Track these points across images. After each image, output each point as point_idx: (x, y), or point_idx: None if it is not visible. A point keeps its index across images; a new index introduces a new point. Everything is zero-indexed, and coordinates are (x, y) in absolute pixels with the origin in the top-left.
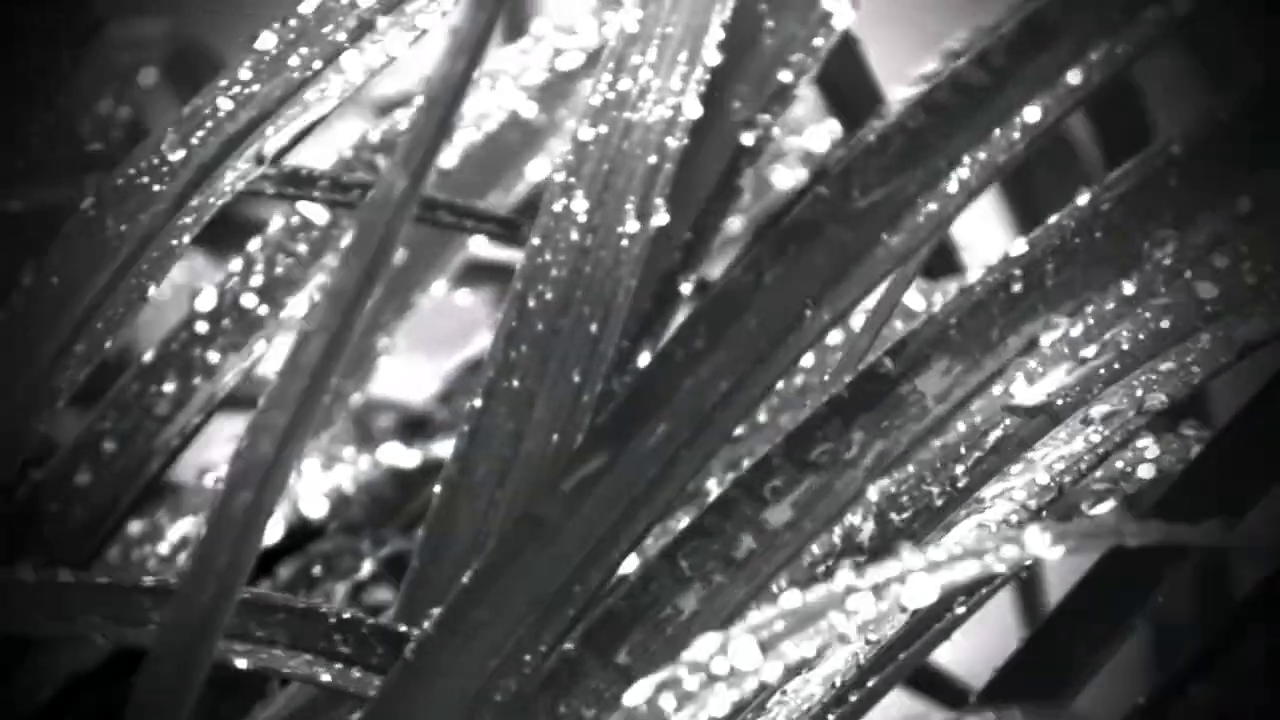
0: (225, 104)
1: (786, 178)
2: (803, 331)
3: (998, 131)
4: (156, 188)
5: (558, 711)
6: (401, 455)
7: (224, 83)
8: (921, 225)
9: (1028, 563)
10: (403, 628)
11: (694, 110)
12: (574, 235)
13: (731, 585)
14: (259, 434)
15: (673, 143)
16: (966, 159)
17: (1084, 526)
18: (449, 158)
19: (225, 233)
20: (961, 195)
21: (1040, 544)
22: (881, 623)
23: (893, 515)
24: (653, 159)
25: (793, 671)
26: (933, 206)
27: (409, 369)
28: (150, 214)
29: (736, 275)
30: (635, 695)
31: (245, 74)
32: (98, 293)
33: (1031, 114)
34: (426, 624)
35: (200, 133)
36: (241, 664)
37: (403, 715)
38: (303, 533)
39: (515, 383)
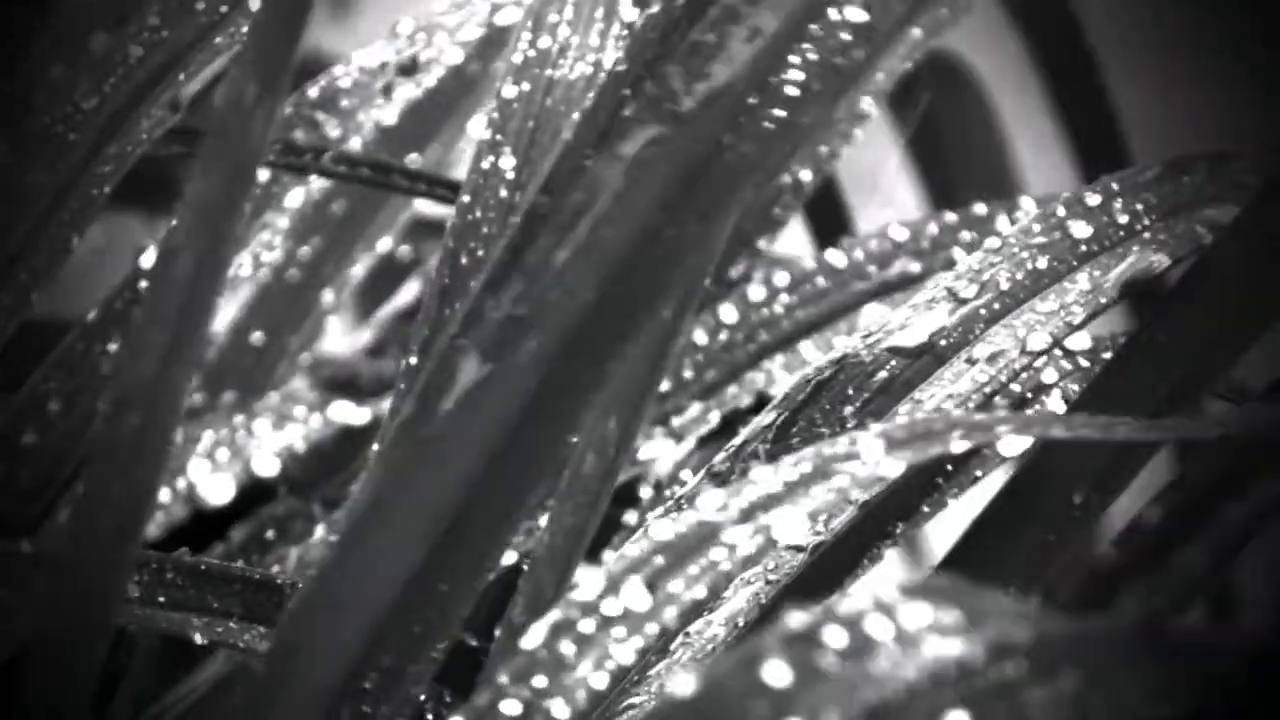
0: (136, 50)
1: None
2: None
3: None
4: (72, 136)
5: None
6: (350, 412)
7: (133, 29)
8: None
9: (875, 476)
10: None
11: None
12: (503, 192)
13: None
14: (138, 352)
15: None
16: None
17: (918, 428)
18: (389, 114)
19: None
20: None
21: (875, 449)
22: (761, 558)
23: (784, 457)
24: (575, 115)
25: (690, 614)
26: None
27: (346, 324)
28: (67, 163)
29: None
30: (531, 638)
31: (154, 19)
32: (19, 242)
33: None
34: (320, 558)
35: (112, 79)
36: (199, 638)
37: (310, 647)
38: (255, 493)
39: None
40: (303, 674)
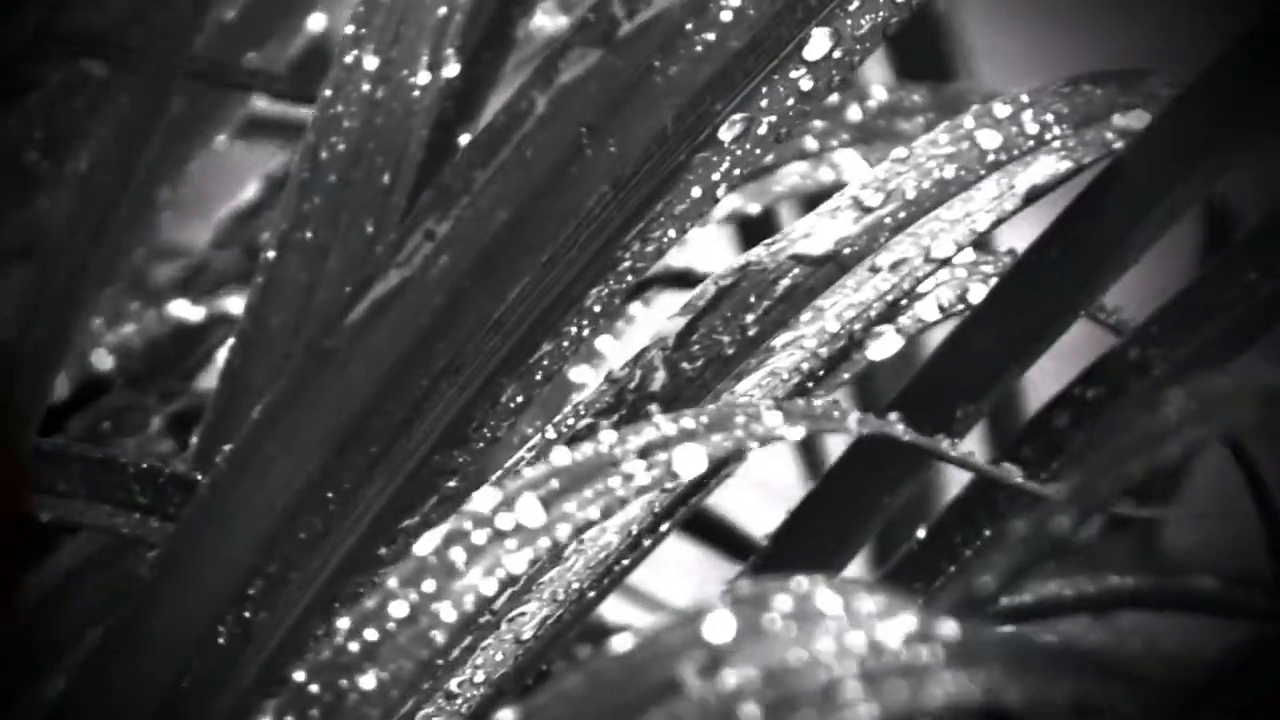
0: None
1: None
2: (583, 161)
3: None
4: None
5: (372, 561)
6: (186, 309)
7: None
8: (700, 55)
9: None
10: (200, 476)
11: None
12: (365, 87)
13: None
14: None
15: None
16: None
17: (818, 408)
18: (227, 8)
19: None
20: (740, 28)
21: (778, 422)
22: (658, 486)
23: (684, 365)
24: (442, 10)
25: (582, 529)
26: (708, 35)
27: (184, 221)
28: None
29: (509, 105)
30: (424, 545)
31: None
32: None
33: None
34: (218, 462)
35: None
36: (43, 516)
37: (198, 554)
38: (91, 387)
39: (309, 234)
40: (192, 580)
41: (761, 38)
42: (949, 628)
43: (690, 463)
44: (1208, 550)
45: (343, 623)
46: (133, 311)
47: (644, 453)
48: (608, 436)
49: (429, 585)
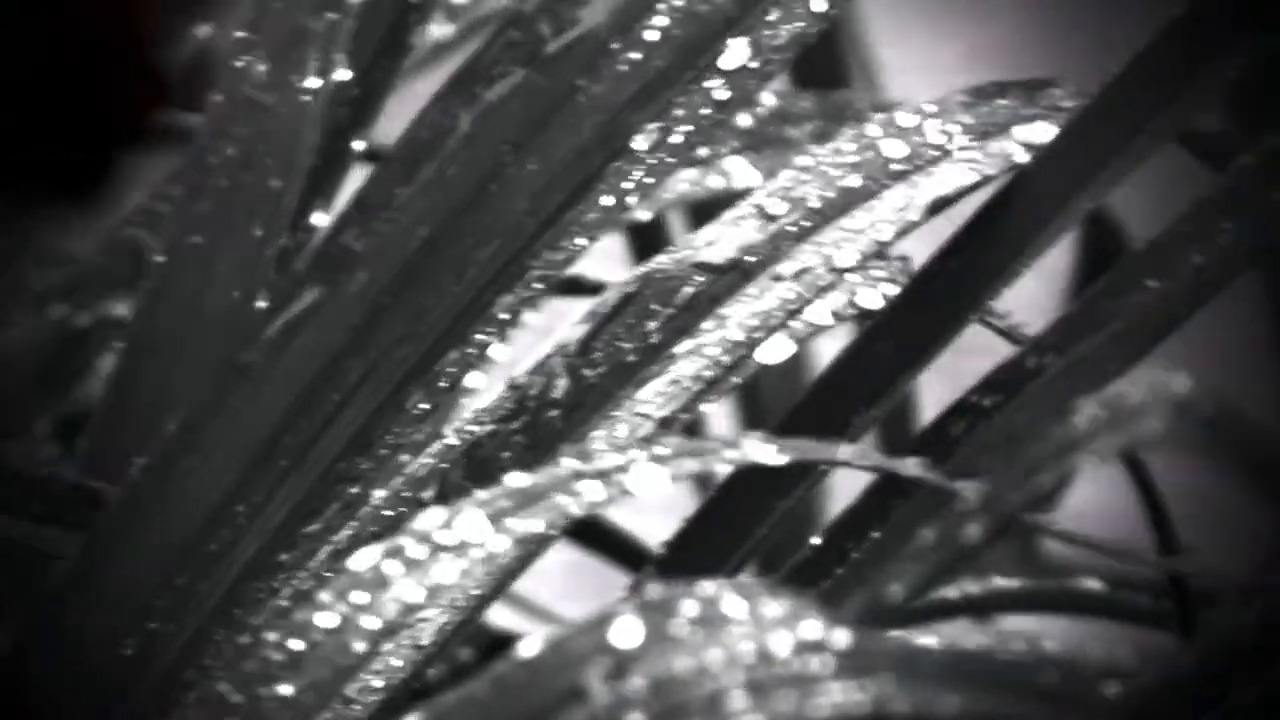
0: None
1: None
2: (505, 179)
3: None
4: None
5: (273, 567)
6: (70, 314)
7: None
8: (624, 73)
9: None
10: (96, 484)
11: None
12: (255, 92)
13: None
14: None
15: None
16: (662, 6)
17: (803, 444)
18: None
19: None
20: (666, 47)
21: (761, 452)
22: (609, 505)
23: (586, 371)
24: (332, 15)
25: (522, 543)
26: (633, 54)
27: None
28: None
29: (430, 120)
30: (361, 561)
31: None
32: None
33: None
34: (133, 474)
35: None
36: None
37: (108, 570)
38: None
39: (198, 239)
40: (103, 591)
41: (684, 52)
42: (841, 636)
43: (651, 483)
44: (1091, 554)
45: (270, 635)
46: (15, 318)
47: (605, 476)
48: (568, 463)
49: (359, 598)
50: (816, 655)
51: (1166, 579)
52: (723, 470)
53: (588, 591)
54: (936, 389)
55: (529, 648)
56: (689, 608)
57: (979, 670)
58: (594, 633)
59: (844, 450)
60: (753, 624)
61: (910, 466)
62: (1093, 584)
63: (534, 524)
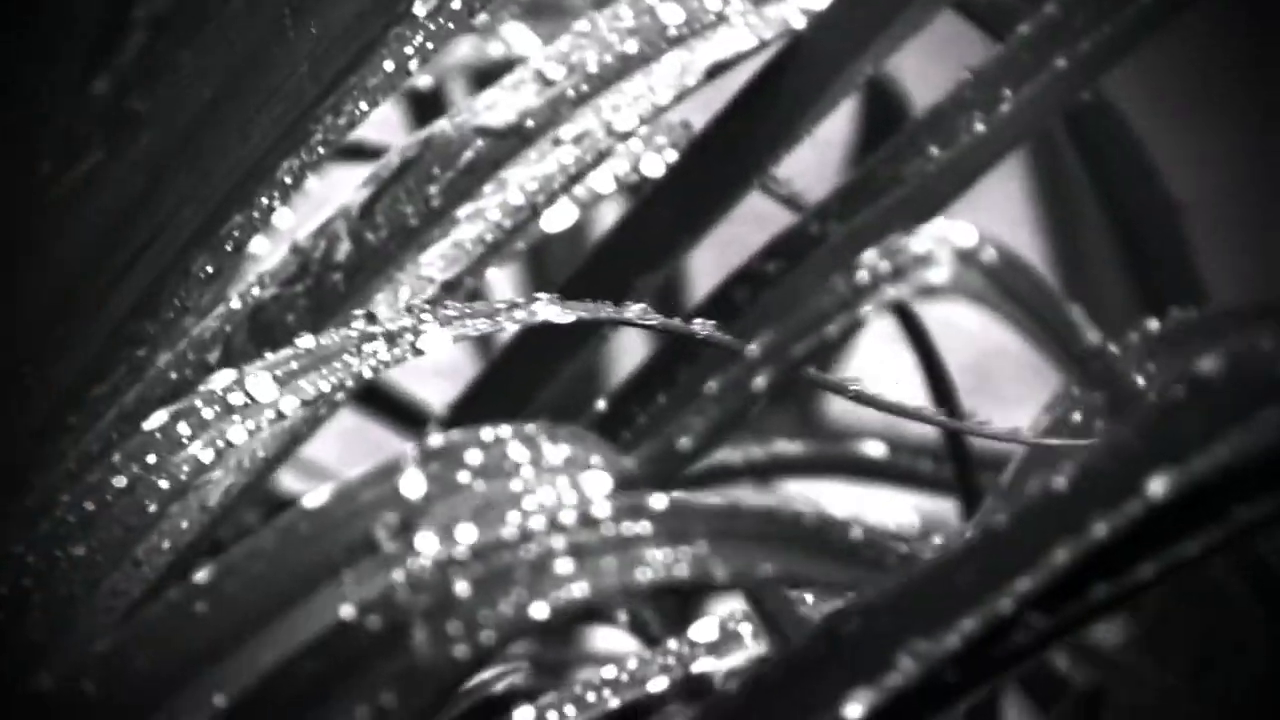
0: None
1: None
2: (285, 42)
3: None
4: None
5: (62, 429)
6: None
7: None
8: None
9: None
10: None
11: None
12: None
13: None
14: None
15: None
16: None
17: (590, 305)
18: None
19: None
20: None
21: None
22: (396, 364)
23: (369, 235)
24: None
25: (310, 405)
26: None
27: None
28: None
29: None
30: (152, 422)
31: None
32: None
33: None
34: None
35: None
36: None
37: None
38: None
39: None
40: None
41: None
42: (659, 500)
43: (435, 343)
44: (871, 419)
45: (62, 497)
46: None
47: (392, 338)
48: (356, 325)
49: (150, 458)
50: (636, 520)
51: (946, 443)
52: (509, 330)
53: (375, 457)
54: (712, 259)
55: (315, 499)
56: (473, 455)
57: (792, 532)
58: (381, 483)
59: (631, 310)
60: (537, 471)
61: (697, 326)
62: (874, 448)
63: (322, 385)
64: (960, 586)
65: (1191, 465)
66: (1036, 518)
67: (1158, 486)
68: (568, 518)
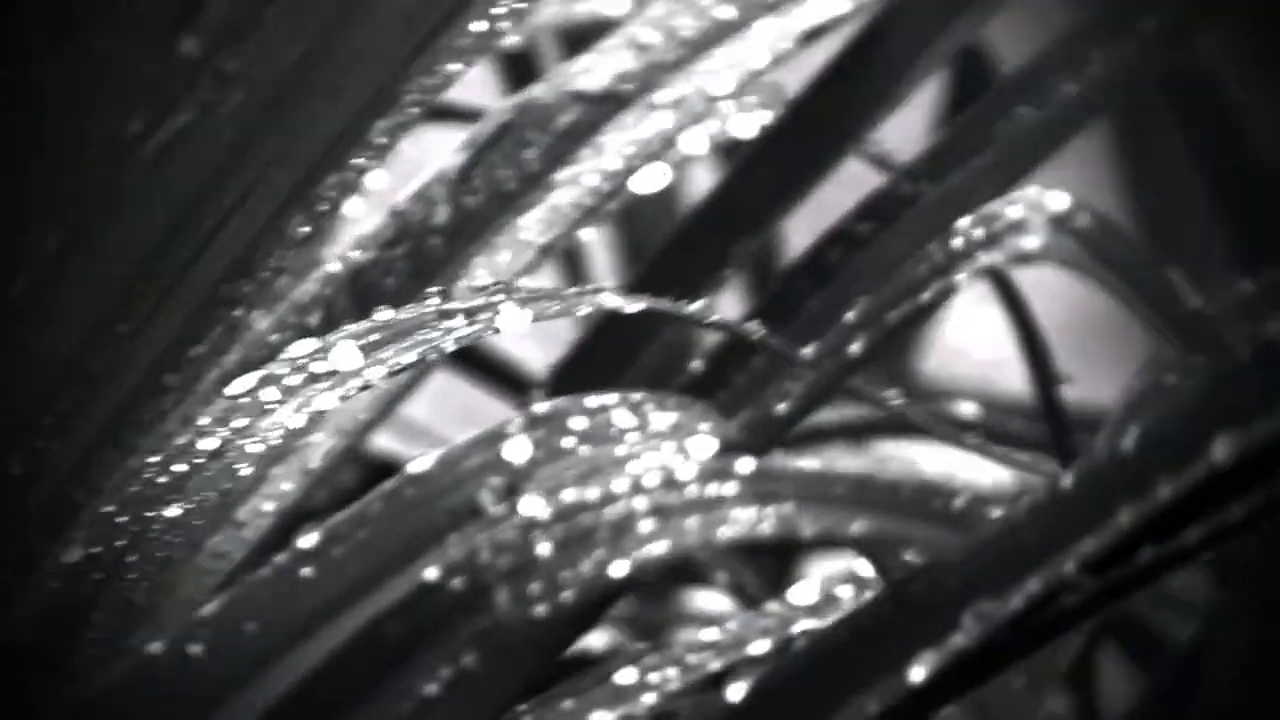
0: None
1: None
2: (377, 5)
3: None
4: None
5: (160, 390)
6: None
7: None
8: None
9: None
10: None
11: None
12: None
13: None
14: None
15: None
16: None
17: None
18: None
19: None
20: None
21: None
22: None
23: (467, 199)
24: None
25: (398, 373)
26: None
27: None
28: None
29: None
30: (235, 387)
31: None
32: None
33: None
34: (13, 291)
35: None
36: None
37: None
38: None
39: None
40: None
41: None
42: (745, 463)
43: (515, 322)
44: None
45: (153, 457)
46: None
47: (471, 314)
48: (433, 302)
49: (238, 422)
50: (722, 481)
51: (1041, 404)
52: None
53: (465, 415)
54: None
55: (420, 465)
56: (578, 422)
57: (886, 496)
58: (485, 449)
59: (692, 307)
60: (643, 437)
61: (753, 329)
62: (968, 408)
63: (407, 356)
64: (1026, 547)
65: (1253, 429)
66: (1102, 479)
67: (1220, 450)
68: (652, 480)
